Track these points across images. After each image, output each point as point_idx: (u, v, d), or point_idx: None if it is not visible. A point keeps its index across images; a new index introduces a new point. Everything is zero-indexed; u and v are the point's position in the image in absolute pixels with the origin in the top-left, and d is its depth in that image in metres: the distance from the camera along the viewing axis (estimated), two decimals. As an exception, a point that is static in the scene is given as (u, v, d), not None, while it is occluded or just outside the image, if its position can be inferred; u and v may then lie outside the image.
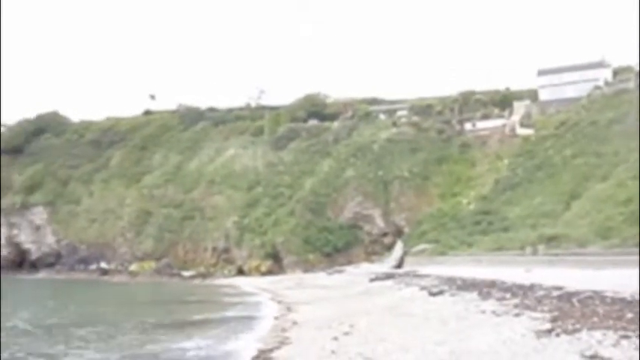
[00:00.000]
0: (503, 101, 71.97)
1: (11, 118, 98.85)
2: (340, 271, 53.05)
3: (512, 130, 65.21)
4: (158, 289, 54.63)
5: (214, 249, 69.36)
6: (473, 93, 74.28)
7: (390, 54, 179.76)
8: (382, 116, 76.74)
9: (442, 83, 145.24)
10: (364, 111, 76.72)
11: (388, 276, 40.54)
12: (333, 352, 15.90)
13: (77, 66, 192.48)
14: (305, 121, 79.18)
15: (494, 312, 18.14)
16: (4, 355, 20.27)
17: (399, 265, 49.39)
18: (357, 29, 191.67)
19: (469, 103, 72.19)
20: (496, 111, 70.47)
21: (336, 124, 76.13)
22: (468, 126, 69.55)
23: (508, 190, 53.64)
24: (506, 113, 69.38)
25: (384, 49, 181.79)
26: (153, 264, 69.39)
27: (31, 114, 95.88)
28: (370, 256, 60.51)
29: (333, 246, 61.42)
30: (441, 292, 25.90)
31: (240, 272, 63.78)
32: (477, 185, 60.01)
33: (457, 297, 23.64)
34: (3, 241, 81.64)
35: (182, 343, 21.59)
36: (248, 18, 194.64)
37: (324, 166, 68.88)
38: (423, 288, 29.07)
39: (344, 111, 78.22)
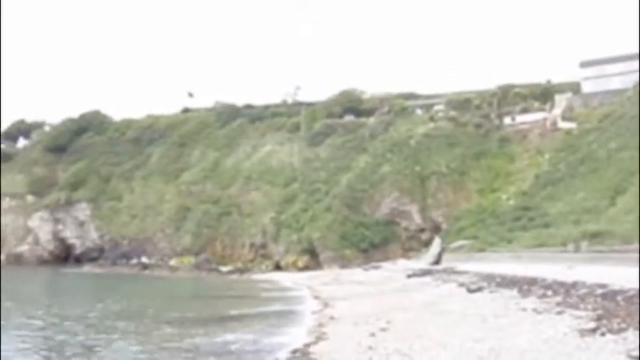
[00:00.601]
0: (544, 94, 70.34)
1: (56, 117, 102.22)
2: (377, 267, 52.83)
3: (554, 123, 63.65)
4: (197, 283, 55.50)
5: (252, 244, 70.03)
6: (512, 86, 72.83)
7: (427, 48, 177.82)
8: (419, 111, 75.94)
9: (480, 77, 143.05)
10: (400, 106, 76.08)
11: (426, 272, 40.18)
12: (370, 347, 15.84)
13: (118, 66, 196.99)
14: (341, 116, 79.07)
15: (535, 310, 17.78)
16: (52, 343, 20.97)
17: (437, 262, 48.85)
18: (393, 23, 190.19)
19: (508, 97, 70.81)
20: (536, 104, 68.92)
21: (372, 120, 75.75)
22: (507, 120, 68.25)
23: (549, 185, 52.40)
24: (547, 106, 67.76)
25: (421, 43, 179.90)
26: (192, 259, 70.51)
27: (74, 113, 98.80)
28: (407, 252, 60.04)
29: (370, 242, 61.19)
30: (479, 289, 25.53)
31: (278, 268, 64.21)
32: (516, 180, 58.86)
33: (496, 294, 23.26)
34: (49, 237, 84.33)
35: (221, 336, 21.89)
36: (282, 15, 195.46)
37: (361, 161, 68.65)
38: (461, 284, 28.71)
39: (380, 106, 77.76)
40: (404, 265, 51.80)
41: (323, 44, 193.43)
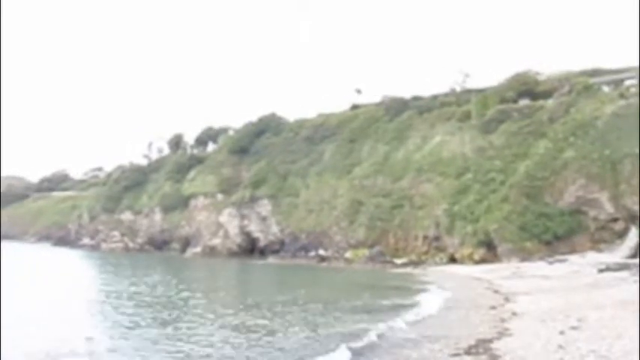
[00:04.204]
0: None
1: (238, 122, 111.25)
2: (562, 261, 48.97)
3: None
4: (371, 275, 56.39)
5: (425, 237, 69.17)
6: None
7: (610, 18, 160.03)
8: (606, 88, 68.68)
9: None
10: (583, 84, 69.37)
11: (621, 266, 36.21)
12: (560, 346, 14.60)
13: (290, 70, 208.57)
14: (515, 101, 74.51)
15: None
16: (237, 321, 22.91)
17: (635, 255, 43.84)
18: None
19: None
20: None
21: (550, 102, 70.22)
22: None
23: None
24: None
25: (602, 13, 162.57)
26: (366, 251, 71.81)
27: (253, 117, 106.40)
28: (597, 244, 54.65)
29: (553, 233, 56.81)
30: (692, 286, 22.22)
31: (452, 260, 62.65)
32: None
33: None
34: (237, 231, 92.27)
35: (392, 323, 22.07)
36: (445, 1, 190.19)
37: (539, 147, 64.05)
38: (667, 281, 25.30)
39: (559, 86, 71.75)
40: (594, 258, 47.37)
41: (490, 27, 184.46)
